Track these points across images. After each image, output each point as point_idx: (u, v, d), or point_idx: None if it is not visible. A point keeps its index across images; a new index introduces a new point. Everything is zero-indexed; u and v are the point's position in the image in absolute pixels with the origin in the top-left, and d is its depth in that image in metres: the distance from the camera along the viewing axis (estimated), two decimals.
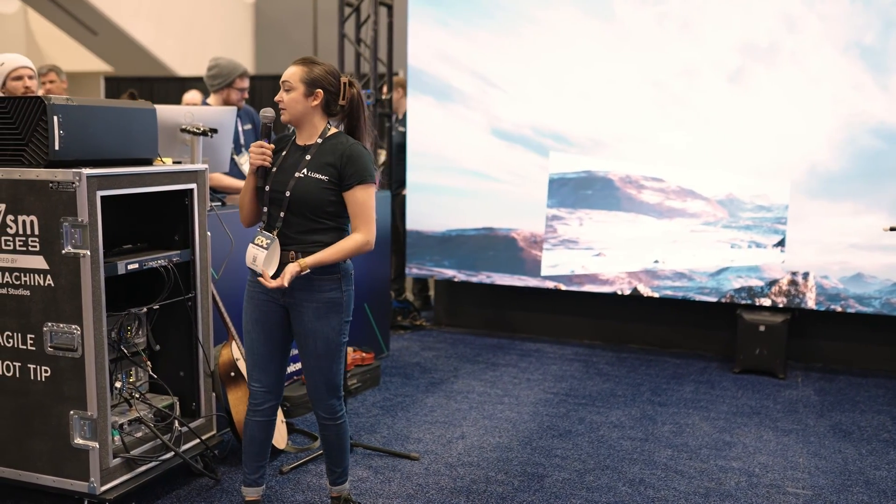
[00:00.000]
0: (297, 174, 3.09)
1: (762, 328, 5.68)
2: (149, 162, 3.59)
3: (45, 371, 3.25)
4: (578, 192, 6.16)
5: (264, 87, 10.64)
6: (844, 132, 5.53)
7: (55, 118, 3.13)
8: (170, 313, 3.70)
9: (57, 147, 3.15)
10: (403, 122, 6.94)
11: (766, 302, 5.81)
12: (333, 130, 3.19)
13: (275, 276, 3.07)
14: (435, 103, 6.43)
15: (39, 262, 3.20)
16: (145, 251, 3.55)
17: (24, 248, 3.22)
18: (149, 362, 3.68)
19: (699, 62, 5.78)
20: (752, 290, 5.84)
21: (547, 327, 6.67)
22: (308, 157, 3.12)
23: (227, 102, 5.09)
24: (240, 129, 5.15)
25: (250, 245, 3.14)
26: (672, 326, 6.35)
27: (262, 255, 3.09)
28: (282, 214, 3.10)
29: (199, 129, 4.13)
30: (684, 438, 4.49)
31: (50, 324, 3.21)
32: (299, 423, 4.49)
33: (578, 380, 5.53)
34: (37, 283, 3.22)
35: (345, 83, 3.16)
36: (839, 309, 5.67)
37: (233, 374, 3.88)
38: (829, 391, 5.40)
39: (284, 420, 4.24)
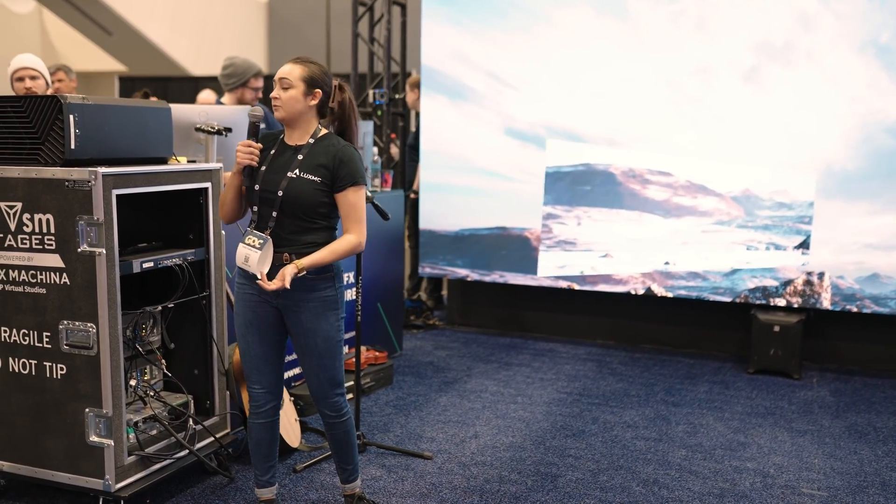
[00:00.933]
0: (289, 174, 3.08)
1: (777, 328, 5.65)
2: (164, 161, 3.60)
3: (61, 369, 3.27)
4: (575, 187, 6.11)
5: None
6: (860, 132, 5.49)
7: (71, 117, 3.14)
8: (184, 312, 3.72)
9: (73, 146, 3.16)
10: (416, 121, 6.94)
11: (781, 302, 5.78)
12: (324, 131, 3.17)
13: (268, 277, 3.06)
14: (448, 102, 6.42)
15: (55, 261, 3.22)
16: (160, 250, 3.57)
17: (41, 247, 3.24)
18: (163, 360, 3.69)
19: (714, 61, 5.75)
20: (766, 290, 5.81)
21: (560, 327, 6.65)
22: (300, 158, 3.10)
23: (241, 102, 5.12)
24: None
25: (241, 245, 3.11)
26: (686, 326, 6.32)
27: (255, 255, 3.06)
28: (274, 214, 3.09)
29: (213, 128, 4.15)
30: (698, 439, 4.47)
31: (66, 322, 3.23)
32: (312, 422, 4.49)
33: (592, 379, 5.51)
34: (53, 282, 3.23)
35: (335, 86, 3.17)
36: (855, 309, 5.63)
37: None
38: (845, 392, 5.37)
39: (298, 419, 4.25)
